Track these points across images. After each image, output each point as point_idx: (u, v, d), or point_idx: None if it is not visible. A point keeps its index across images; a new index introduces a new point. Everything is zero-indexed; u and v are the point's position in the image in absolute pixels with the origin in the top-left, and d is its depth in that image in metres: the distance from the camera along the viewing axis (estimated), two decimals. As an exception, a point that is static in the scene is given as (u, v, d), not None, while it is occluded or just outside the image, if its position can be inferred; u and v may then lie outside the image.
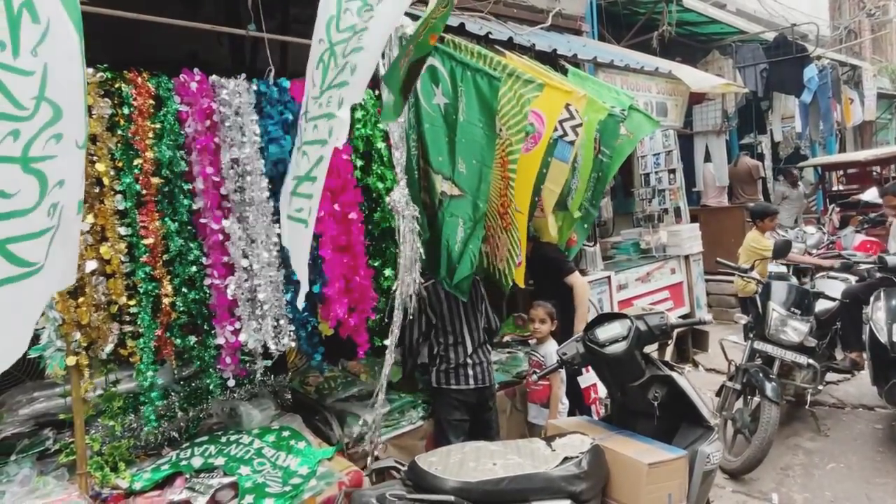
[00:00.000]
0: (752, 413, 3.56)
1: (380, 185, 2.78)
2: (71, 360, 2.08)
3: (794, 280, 4.28)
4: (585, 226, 3.90)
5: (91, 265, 2.08)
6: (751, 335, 3.88)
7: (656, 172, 6.36)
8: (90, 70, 2.10)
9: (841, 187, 9.80)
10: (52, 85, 1.23)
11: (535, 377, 3.06)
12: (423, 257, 2.67)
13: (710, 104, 7.36)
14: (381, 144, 2.77)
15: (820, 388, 4.05)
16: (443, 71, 2.72)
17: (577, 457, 2.06)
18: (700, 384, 4.09)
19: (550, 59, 4.10)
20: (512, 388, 3.45)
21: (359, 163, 2.71)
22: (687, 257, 5.78)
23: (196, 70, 2.33)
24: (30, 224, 1.23)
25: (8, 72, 1.14)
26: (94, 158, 2.11)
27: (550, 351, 3.11)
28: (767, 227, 5.07)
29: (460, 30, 3.46)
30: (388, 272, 2.80)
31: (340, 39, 1.78)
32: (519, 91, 2.77)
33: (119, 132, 2.17)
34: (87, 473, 2.15)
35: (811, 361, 3.74)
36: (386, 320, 2.62)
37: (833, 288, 4.23)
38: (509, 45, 3.75)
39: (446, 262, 2.88)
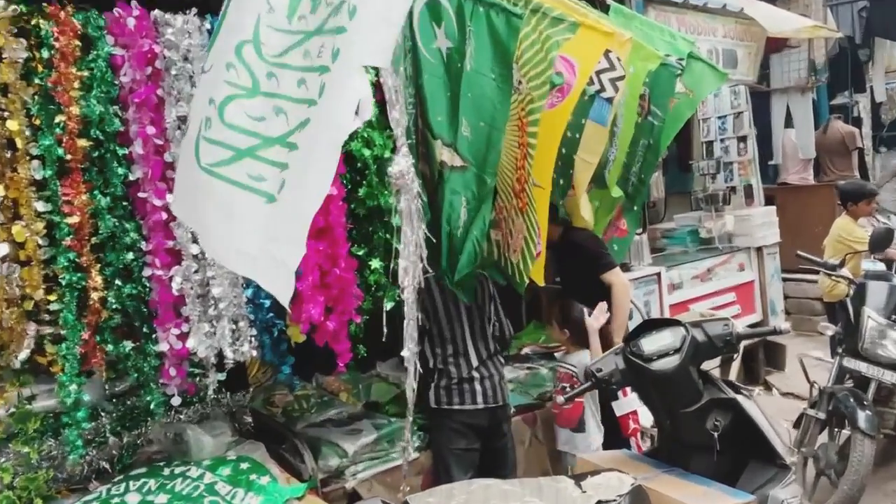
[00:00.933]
0: (840, 449, 3.57)
1: (366, 153, 2.79)
2: None
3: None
4: (635, 208, 3.92)
5: (1, 249, 2.12)
6: (839, 350, 3.89)
7: (722, 140, 6.36)
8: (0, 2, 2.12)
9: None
10: None
11: (560, 399, 3.08)
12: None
13: (792, 53, 7.29)
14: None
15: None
16: (447, 6, 2.72)
17: (614, 501, 2.08)
18: (773, 411, 4.12)
19: (588, -8, 4.09)
20: (532, 413, 3.49)
21: (339, 123, 2.72)
22: (759, 250, 5.81)
23: (133, 3, 2.36)
24: None
25: None
26: (5, 114, 2.14)
27: (585, 362, 3.12)
28: (862, 212, 5.06)
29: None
30: (375, 263, 2.81)
31: None
32: (545, 32, 2.76)
33: (37, 81, 2.19)
34: None
35: (919, 384, 3.74)
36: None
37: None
38: (535, -27, 3.74)
39: (447, 253, 2.90)
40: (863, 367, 3.73)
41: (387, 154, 2.66)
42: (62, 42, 2.21)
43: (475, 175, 2.76)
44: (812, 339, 5.91)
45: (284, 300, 1.84)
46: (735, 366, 4.72)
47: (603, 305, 3.34)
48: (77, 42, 2.25)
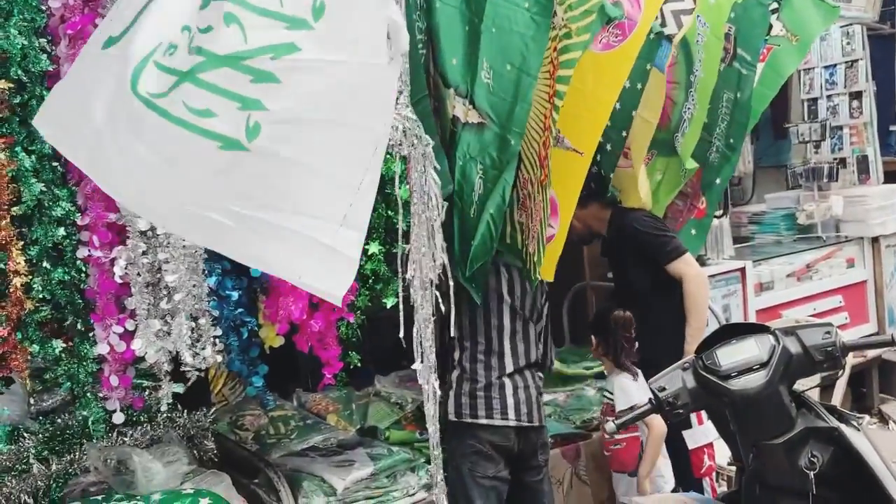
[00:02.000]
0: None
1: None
2: None
3: None
4: (718, 181, 3.87)
5: None
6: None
7: (829, 98, 6.27)
8: None
9: None
10: None
11: (611, 426, 3.06)
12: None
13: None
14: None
15: None
16: None
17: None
18: (893, 448, 4.07)
19: None
20: (574, 445, 3.50)
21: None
22: (875, 241, 5.75)
23: None
24: None
25: None
26: None
27: (627, 387, 3.13)
28: None
29: None
30: (373, 247, 2.83)
31: None
32: (593, -49, 2.75)
33: None
34: None
35: None
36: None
37: None
38: None
39: (458, 237, 2.92)
40: None
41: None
42: None
43: (496, 135, 2.75)
44: (944, 358, 5.82)
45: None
46: (841, 388, 4.65)
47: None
48: None
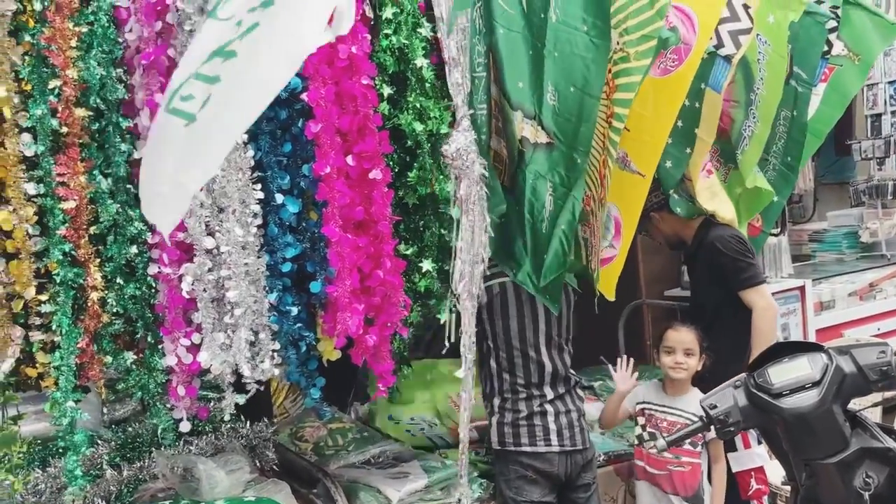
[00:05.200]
0: None
1: (418, 127, 2.81)
2: None
3: None
4: (776, 199, 3.81)
5: None
6: None
7: (893, 114, 6.13)
8: None
9: None
10: None
11: (662, 443, 3.04)
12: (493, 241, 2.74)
13: None
14: (422, 61, 2.81)
15: None
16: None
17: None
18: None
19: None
20: (628, 463, 3.47)
21: (385, 90, 2.75)
22: (943, 262, 5.58)
23: None
24: None
25: None
26: None
27: (690, 408, 3.09)
28: None
29: None
30: (427, 265, 2.84)
31: None
32: (653, -31, 2.76)
33: (27, 39, 2.30)
34: None
35: None
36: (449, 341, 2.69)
37: None
38: None
39: (532, 252, 2.92)
40: None
41: (444, 129, 2.70)
42: None
43: (564, 154, 2.77)
44: None
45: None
46: (903, 410, 4.53)
47: (626, 364, 3.33)
48: None
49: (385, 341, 2.75)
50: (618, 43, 2.76)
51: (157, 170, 1.94)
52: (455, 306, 2.64)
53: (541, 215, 2.86)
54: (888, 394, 3.69)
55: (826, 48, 3.69)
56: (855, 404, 2.39)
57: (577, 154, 2.74)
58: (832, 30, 3.67)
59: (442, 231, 2.77)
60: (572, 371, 3.16)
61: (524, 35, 2.83)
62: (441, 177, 2.72)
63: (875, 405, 3.38)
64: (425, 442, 3.58)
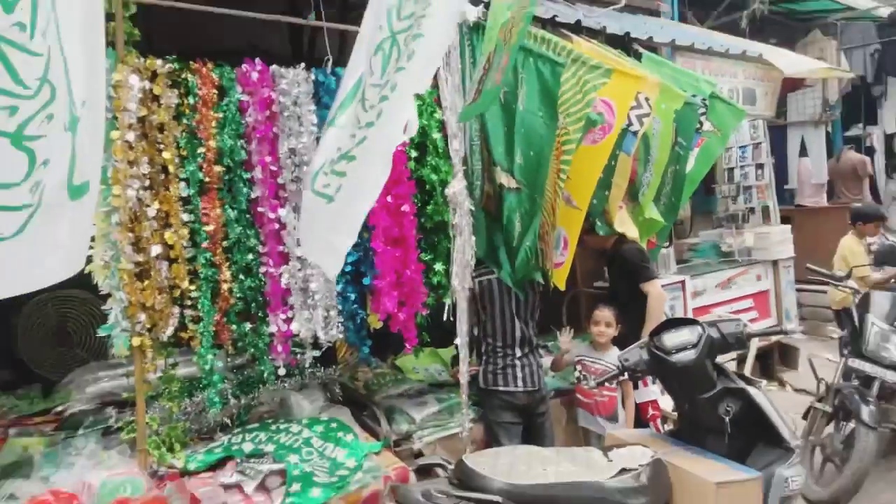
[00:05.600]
0: (845, 440, 3.38)
1: (434, 177, 2.87)
2: (135, 342, 2.28)
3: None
4: (665, 224, 3.84)
5: (156, 249, 2.27)
6: (845, 352, 3.69)
7: (742, 167, 6.15)
8: (159, 61, 2.31)
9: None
10: (52, 67, 1.32)
11: (591, 383, 3.07)
12: (476, 252, 2.76)
13: (807, 91, 6.99)
14: (436, 135, 2.86)
15: (932, 416, 3.78)
16: (504, 58, 2.80)
17: (636, 469, 2.07)
18: (787, 405, 3.93)
19: (623, 43, 4.08)
20: (568, 397, 3.45)
21: (413, 154, 2.80)
22: (775, 263, 5.56)
23: (257, 60, 2.50)
24: (11, 197, 1.28)
25: (22, 52, 1.23)
26: (161, 147, 2.30)
27: (611, 359, 3.08)
28: (869, 231, 4.79)
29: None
30: (438, 267, 2.87)
31: (402, 28, 1.86)
32: (583, 77, 2.78)
33: (184, 121, 2.35)
34: (146, 451, 2.35)
35: (920, 385, 3.51)
36: (450, 317, 2.71)
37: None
38: (577, 28, 3.76)
39: (507, 258, 2.96)
40: (867, 367, 3.54)
41: (450, 179, 2.71)
42: (203, 91, 2.38)
43: (527, 195, 2.79)
44: (824, 342, 5.57)
45: (331, 273, 2.03)
46: (749, 364, 4.53)
47: (568, 332, 3.36)
48: (214, 91, 2.40)
49: (411, 317, 2.78)
50: (561, 123, 2.78)
51: (312, 232, 2.04)
52: (454, 294, 2.68)
53: (513, 235, 2.89)
54: (741, 351, 3.76)
55: (699, 126, 3.68)
56: (720, 359, 2.43)
57: (536, 195, 2.77)
58: (703, 114, 3.69)
59: (448, 245, 2.78)
60: (535, 337, 3.11)
61: (503, 119, 2.86)
62: (447, 209, 2.77)
63: (731, 360, 3.41)
64: (436, 382, 3.57)
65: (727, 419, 2.31)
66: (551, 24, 3.63)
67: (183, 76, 2.37)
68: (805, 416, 3.65)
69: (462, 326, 2.62)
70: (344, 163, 1.90)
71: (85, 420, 2.70)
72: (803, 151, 7.24)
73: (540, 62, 2.70)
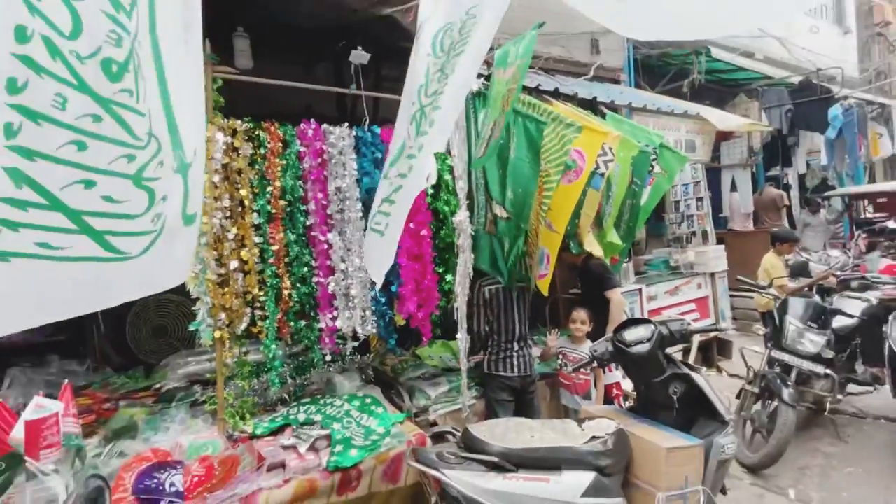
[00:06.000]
0: (770, 415, 3.32)
1: (445, 209, 2.90)
2: (217, 334, 2.32)
3: (816, 298, 3.95)
4: (623, 244, 3.82)
5: (234, 264, 2.32)
6: (769, 345, 3.64)
7: (685, 200, 6.10)
8: (238, 122, 2.36)
9: (869, 215, 8.86)
10: (155, 125, 1.35)
11: (569, 369, 3.04)
12: (482, 266, 2.78)
13: (736, 141, 6.97)
14: (447, 176, 2.90)
15: (840, 397, 3.67)
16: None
17: (604, 437, 2.06)
18: (723, 387, 3.88)
19: (591, 105, 4.12)
20: (551, 379, 3.41)
21: (430, 190, 2.83)
22: (713, 275, 5.49)
23: (312, 120, 2.55)
24: (135, 225, 1.29)
25: (132, 112, 1.25)
26: (239, 186, 2.34)
27: (584, 350, 3.05)
28: (784, 250, 4.73)
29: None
30: (449, 277, 2.88)
31: (427, 102, 1.91)
32: (561, 132, 2.78)
33: (257, 167, 2.40)
34: (224, 420, 2.37)
35: (828, 371, 3.43)
36: (455, 317, 2.69)
37: (852, 306, 3.87)
38: (556, 94, 3.81)
39: (502, 269, 2.95)
40: (786, 357, 3.48)
41: (457, 210, 2.72)
42: (272, 144, 2.42)
43: (515, 223, 2.79)
44: (752, 337, 5.49)
45: (380, 284, 2.04)
46: (693, 354, 4.47)
47: (554, 331, 3.30)
48: (280, 144, 2.45)
49: (427, 316, 2.78)
50: (543, 167, 2.79)
51: (371, 256, 2.08)
52: (457, 299, 2.66)
53: (505, 252, 2.88)
54: (686, 345, 3.71)
55: (650, 168, 3.66)
56: (669, 350, 2.41)
57: (522, 223, 2.76)
58: (654, 159, 3.68)
59: (456, 260, 2.79)
60: (527, 333, 3.05)
61: (498, 164, 2.86)
62: (455, 233, 2.79)
63: (678, 351, 3.36)
64: (447, 367, 3.55)
65: (675, 398, 2.29)
66: (536, 91, 3.68)
67: (256, 132, 2.42)
68: (738, 396, 3.59)
69: (463, 324, 2.59)
70: (387, 205, 1.94)
71: (177, 395, 2.72)
72: (734, 187, 7.18)
73: (527, 121, 2.71)
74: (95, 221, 1.17)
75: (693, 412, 2.31)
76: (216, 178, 2.26)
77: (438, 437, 2.22)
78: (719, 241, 6.03)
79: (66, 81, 1.07)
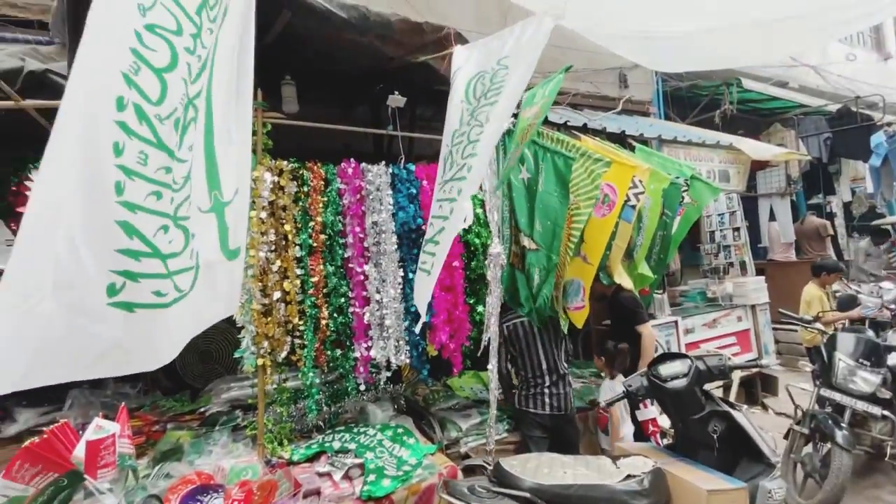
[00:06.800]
0: (823, 458, 3.08)
1: (476, 241, 2.94)
2: (260, 362, 2.38)
3: (869, 333, 3.70)
4: (656, 276, 3.75)
5: (277, 294, 2.40)
6: (817, 382, 3.42)
7: (721, 230, 5.97)
8: (284, 162, 2.50)
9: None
10: (194, 169, 1.43)
11: (602, 404, 2.96)
12: (505, 299, 2.75)
13: (773, 170, 6.79)
14: (479, 210, 2.96)
15: (902, 441, 3.40)
16: (528, 153, 2.87)
17: (640, 476, 1.98)
18: (768, 426, 3.65)
19: (620, 139, 4.13)
20: (585, 413, 3.30)
21: (462, 223, 2.90)
22: (753, 307, 5.26)
23: (352, 159, 2.67)
24: (181, 262, 1.34)
25: (175, 160, 1.34)
26: (283, 221, 2.45)
27: (614, 385, 2.96)
28: (828, 281, 4.50)
29: (544, 121, 3.63)
30: (480, 308, 2.88)
31: (461, 147, 2.00)
32: (590, 167, 2.80)
33: (300, 204, 2.51)
34: (263, 445, 2.40)
35: (886, 413, 3.18)
36: (484, 347, 2.67)
37: (910, 342, 3.60)
38: (584, 129, 3.86)
39: (530, 303, 2.93)
40: (837, 396, 3.24)
41: (489, 242, 2.75)
42: (314, 182, 2.54)
43: (545, 254, 2.78)
44: (799, 374, 5.20)
45: (424, 316, 2.11)
46: (734, 390, 4.25)
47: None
48: (322, 182, 2.56)
49: (459, 347, 2.78)
50: (573, 201, 2.79)
51: (419, 293, 2.16)
52: (488, 330, 2.66)
53: (533, 285, 2.86)
54: (725, 381, 3.53)
55: (681, 199, 3.64)
56: (708, 387, 2.33)
57: (552, 254, 2.75)
58: (685, 191, 3.64)
59: (486, 292, 2.82)
60: (565, 366, 2.90)
61: (526, 197, 2.89)
62: (485, 266, 2.80)
63: (717, 387, 3.21)
64: (478, 398, 3.50)
65: (715, 436, 2.20)
66: (564, 127, 3.74)
67: (300, 172, 2.53)
68: (786, 437, 3.36)
69: (494, 355, 2.55)
70: (432, 246, 2.02)
71: (220, 419, 2.76)
72: (772, 217, 6.95)
73: (556, 157, 2.75)
74: (171, 263, 1.28)
75: (736, 452, 2.21)
76: (263, 215, 2.37)
77: (470, 470, 2.20)
78: (759, 271, 5.83)
79: (148, 140, 1.21)
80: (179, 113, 1.31)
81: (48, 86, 2.05)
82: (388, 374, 2.78)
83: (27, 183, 2.01)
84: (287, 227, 2.44)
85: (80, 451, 1.69)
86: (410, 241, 2.72)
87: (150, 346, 1.24)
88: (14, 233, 2.00)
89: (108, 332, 1.14)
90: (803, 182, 7.32)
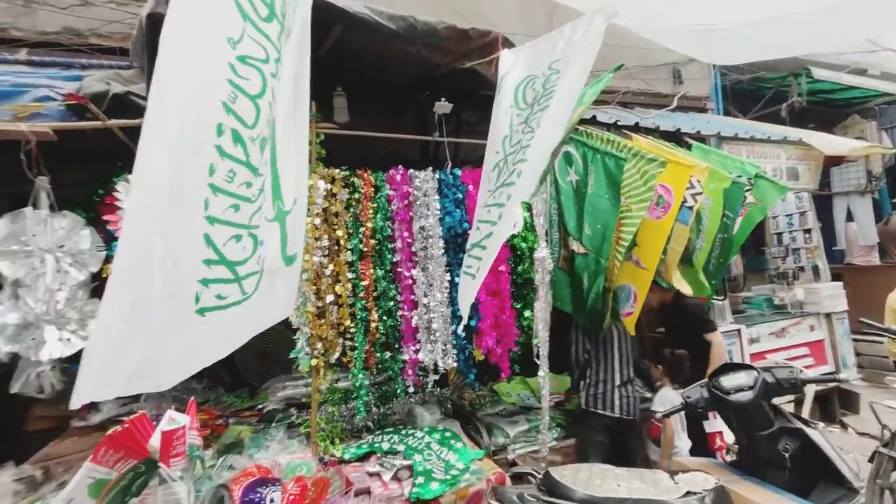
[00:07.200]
0: (916, 485, 2.76)
1: (523, 245, 2.90)
2: (314, 362, 2.47)
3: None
4: (713, 282, 3.54)
5: (330, 297, 2.48)
6: (908, 400, 3.06)
7: (790, 232, 5.52)
8: (336, 170, 2.58)
9: None
10: (266, 182, 1.51)
11: (658, 415, 2.81)
12: (557, 303, 2.70)
13: (850, 165, 6.18)
14: (526, 214, 2.91)
15: None
16: (576, 155, 2.81)
17: (701, 493, 1.85)
18: (850, 446, 3.32)
19: (675, 137, 3.94)
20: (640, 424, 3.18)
21: (509, 227, 2.88)
22: (829, 315, 4.81)
23: (400, 166, 2.72)
24: (248, 267, 1.43)
25: (257, 175, 1.43)
26: (336, 227, 2.53)
27: (673, 395, 2.80)
28: (918, 287, 4.04)
29: (592, 121, 3.55)
30: (527, 313, 2.84)
31: (511, 151, 1.98)
32: (643, 168, 2.69)
33: (351, 210, 2.59)
34: (316, 443, 2.48)
35: None
36: (535, 354, 2.61)
37: None
38: (635, 128, 3.72)
39: (578, 307, 2.86)
40: (933, 417, 2.89)
41: (535, 246, 2.71)
42: (364, 189, 2.60)
43: (594, 259, 2.72)
44: (884, 390, 4.68)
45: (466, 319, 2.12)
46: (808, 405, 3.89)
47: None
48: (372, 189, 2.63)
49: (506, 352, 2.75)
50: (624, 203, 2.70)
51: (463, 297, 2.19)
52: (538, 335, 2.62)
53: (583, 288, 2.80)
54: (797, 395, 3.25)
55: (744, 199, 3.42)
56: (777, 401, 2.16)
57: (601, 258, 2.68)
58: (748, 190, 3.42)
59: (533, 297, 2.78)
60: (632, 373, 2.84)
61: (574, 199, 2.84)
62: (533, 269, 2.76)
63: (788, 402, 2.98)
64: (525, 405, 3.45)
65: (787, 455, 2.02)
66: (615, 127, 3.62)
67: (351, 179, 2.61)
68: (871, 459, 3.03)
69: (545, 362, 2.49)
70: (478, 250, 2.02)
71: (276, 416, 2.87)
72: (850, 217, 6.33)
73: (606, 157, 2.67)
74: (240, 269, 1.37)
75: (811, 474, 2.02)
76: (317, 221, 2.46)
77: (518, 478, 2.16)
78: (835, 276, 5.35)
79: (238, 160, 1.31)
80: (266, 133, 1.41)
81: (129, 106, 2.25)
82: (436, 377, 2.79)
83: (114, 194, 2.20)
84: (339, 233, 2.52)
85: (155, 441, 1.82)
86: (456, 246, 2.74)
87: (216, 346, 1.34)
88: (104, 240, 2.19)
89: (192, 339, 1.25)
90: (887, 178, 6.62)
